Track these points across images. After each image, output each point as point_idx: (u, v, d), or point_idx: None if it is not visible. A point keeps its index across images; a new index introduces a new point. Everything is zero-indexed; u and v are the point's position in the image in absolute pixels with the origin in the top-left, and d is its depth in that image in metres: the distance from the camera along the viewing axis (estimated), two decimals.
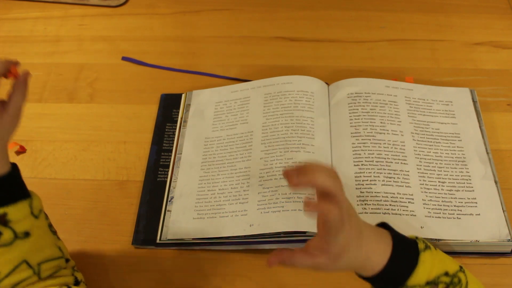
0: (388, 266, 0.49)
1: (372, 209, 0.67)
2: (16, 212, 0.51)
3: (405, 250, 0.51)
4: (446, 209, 0.68)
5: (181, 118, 0.81)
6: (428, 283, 0.50)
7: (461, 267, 0.52)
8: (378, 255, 0.50)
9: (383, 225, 0.53)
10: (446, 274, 0.51)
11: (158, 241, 0.68)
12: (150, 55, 0.92)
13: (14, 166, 0.53)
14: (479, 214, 0.67)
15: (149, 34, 0.96)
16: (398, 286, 0.50)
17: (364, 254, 0.49)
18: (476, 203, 0.68)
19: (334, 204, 0.45)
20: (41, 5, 1.01)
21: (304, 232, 0.65)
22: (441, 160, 0.73)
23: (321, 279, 0.66)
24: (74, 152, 0.79)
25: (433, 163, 0.72)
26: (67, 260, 0.58)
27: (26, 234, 0.52)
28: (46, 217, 0.57)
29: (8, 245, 0.51)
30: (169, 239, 0.68)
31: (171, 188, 0.73)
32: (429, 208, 0.68)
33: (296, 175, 0.45)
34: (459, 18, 0.97)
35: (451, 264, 0.52)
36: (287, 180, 0.45)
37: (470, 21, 0.96)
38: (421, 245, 0.51)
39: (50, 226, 0.57)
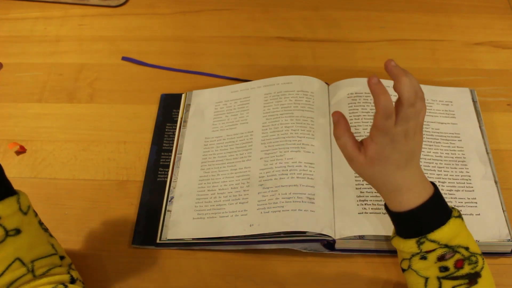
0: (419, 210, 0.50)
1: (372, 209, 0.67)
2: (5, 208, 0.51)
3: (440, 207, 0.52)
4: None
5: (181, 118, 0.81)
6: (447, 246, 0.50)
7: (482, 254, 0.52)
8: (413, 195, 0.51)
9: (433, 184, 0.54)
10: (467, 249, 0.51)
11: (158, 241, 0.68)
12: (150, 55, 0.92)
13: None
14: (479, 214, 0.67)
15: (149, 34, 0.96)
16: (419, 235, 0.50)
17: (397, 182, 0.51)
18: (476, 203, 0.68)
19: (398, 107, 0.48)
20: (41, 5, 1.01)
21: (304, 232, 0.65)
22: (441, 160, 0.73)
23: (322, 279, 0.66)
24: (74, 152, 0.79)
25: (433, 163, 0.72)
26: (62, 258, 0.58)
27: (17, 231, 0.52)
28: (36, 214, 0.56)
29: (0, 243, 0.51)
30: (169, 239, 0.68)
31: (171, 188, 0.73)
32: None
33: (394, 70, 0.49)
34: (459, 18, 0.97)
35: (474, 245, 0.52)
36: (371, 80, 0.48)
37: (470, 21, 0.96)
38: (455, 213, 0.52)
39: (41, 223, 0.57)
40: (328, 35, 0.95)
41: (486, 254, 0.66)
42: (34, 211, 0.56)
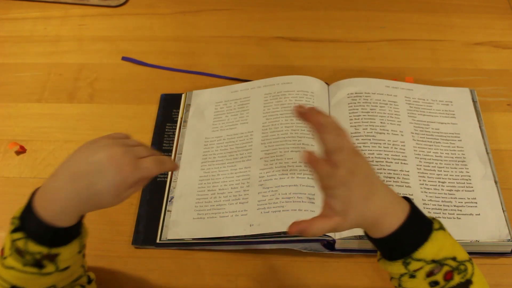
0: (399, 232, 0.49)
1: None
2: (67, 252, 0.51)
3: (419, 223, 0.51)
4: (446, 209, 0.68)
5: (181, 118, 0.81)
6: (433, 261, 0.49)
7: (471, 260, 0.52)
8: (391, 218, 0.50)
9: (406, 199, 0.53)
10: (454, 259, 0.50)
11: (158, 241, 0.68)
12: (150, 55, 0.92)
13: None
14: (479, 214, 0.67)
15: (149, 34, 0.96)
16: (404, 256, 0.50)
17: (374, 213, 0.50)
18: (476, 203, 0.68)
19: (330, 163, 0.48)
20: (41, 5, 1.01)
21: None
22: (441, 160, 0.73)
23: (322, 278, 0.66)
24: None
25: (433, 163, 0.72)
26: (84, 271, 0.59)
27: (66, 268, 0.52)
28: (85, 246, 0.56)
29: (46, 275, 0.51)
30: (169, 239, 0.68)
31: (171, 188, 0.73)
32: (429, 208, 0.68)
33: (311, 113, 0.49)
34: (459, 18, 0.97)
35: (461, 252, 0.52)
36: (296, 111, 0.49)
37: (470, 21, 0.96)
38: (436, 225, 0.51)
39: (84, 254, 0.57)
40: (328, 35, 0.95)
41: (486, 254, 0.66)
42: (85, 244, 0.56)
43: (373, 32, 0.95)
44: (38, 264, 0.50)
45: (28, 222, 0.49)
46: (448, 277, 0.50)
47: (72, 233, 0.51)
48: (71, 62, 0.92)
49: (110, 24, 0.98)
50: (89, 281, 0.58)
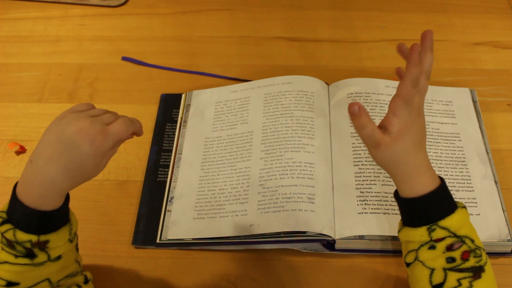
0: (430, 196, 0.52)
1: (372, 209, 0.67)
2: (57, 239, 0.51)
3: (448, 196, 0.53)
4: None
5: (181, 118, 0.81)
6: (455, 235, 0.51)
7: (486, 253, 0.53)
8: (425, 180, 0.52)
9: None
10: (472, 241, 0.52)
11: (158, 241, 0.68)
12: (150, 55, 0.92)
13: (66, 197, 0.52)
14: (479, 214, 0.67)
15: (149, 34, 0.96)
16: (430, 222, 0.51)
17: (414, 163, 0.53)
18: (476, 203, 0.68)
19: (415, 84, 0.54)
20: (41, 5, 1.01)
21: (304, 232, 0.65)
22: (441, 160, 0.73)
23: (322, 279, 0.66)
24: None
25: (433, 163, 0.72)
26: (80, 268, 0.59)
27: (58, 257, 0.52)
28: (77, 237, 0.57)
29: (38, 265, 0.51)
30: (169, 239, 0.68)
31: (171, 188, 0.73)
32: None
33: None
34: (459, 18, 0.97)
35: (478, 239, 0.53)
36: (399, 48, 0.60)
37: (470, 21, 0.96)
38: (461, 204, 0.53)
39: (77, 246, 0.58)
40: (328, 35, 0.95)
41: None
42: (77, 234, 0.56)
43: (373, 32, 0.95)
44: (29, 254, 0.50)
45: (14, 213, 0.49)
46: (465, 256, 0.51)
47: (59, 218, 0.52)
48: (71, 62, 0.92)
49: (110, 24, 0.98)
50: (86, 281, 0.58)
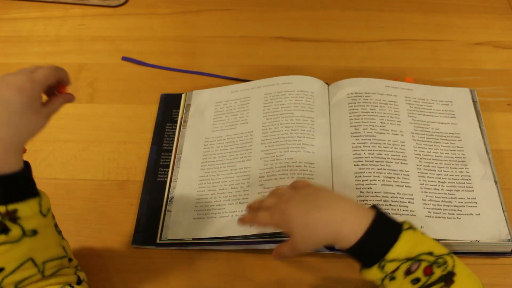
0: (365, 237, 0.51)
1: None
2: (26, 209, 0.51)
3: (387, 226, 0.52)
4: (446, 209, 0.68)
5: (181, 118, 0.81)
6: (408, 259, 0.50)
7: (451, 254, 0.52)
8: (352, 226, 0.51)
9: (373, 207, 0.54)
10: (430, 253, 0.51)
11: (158, 241, 0.68)
12: (150, 55, 0.92)
13: (26, 164, 0.53)
14: (479, 214, 0.67)
15: (149, 34, 0.96)
16: (378, 260, 0.50)
17: (325, 224, 0.52)
18: (476, 203, 0.68)
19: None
20: (41, 5, 1.01)
21: None
22: (441, 160, 0.73)
23: (322, 279, 0.66)
24: (74, 152, 0.79)
25: (433, 163, 0.72)
26: (70, 260, 0.59)
27: (34, 232, 0.52)
28: (53, 217, 0.57)
29: (15, 241, 0.51)
30: (169, 239, 0.68)
31: (171, 188, 0.73)
32: (429, 208, 0.68)
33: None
34: (459, 18, 0.97)
35: (438, 248, 0.52)
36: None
37: (470, 21, 0.96)
38: (405, 226, 0.52)
39: (56, 226, 0.58)
40: (328, 35, 0.95)
41: (486, 254, 0.66)
42: (52, 214, 0.56)
43: (373, 32, 0.95)
44: (3, 229, 0.50)
45: None
46: (428, 272, 0.50)
47: (23, 186, 0.52)
48: (71, 62, 0.92)
49: (110, 24, 0.98)
50: (79, 281, 0.57)
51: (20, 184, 0.52)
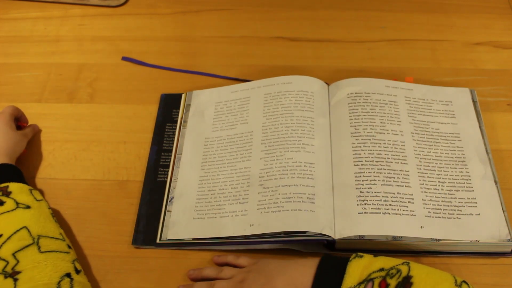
0: (315, 282, 0.56)
1: (372, 209, 0.67)
2: (16, 187, 0.62)
3: (332, 264, 0.57)
4: (446, 209, 0.68)
5: (181, 118, 0.81)
6: (361, 282, 0.53)
7: (405, 262, 0.55)
8: (302, 279, 0.57)
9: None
10: (381, 269, 0.54)
11: (158, 241, 0.68)
12: (150, 55, 0.92)
13: (18, 171, 0.66)
14: (479, 214, 0.67)
15: (149, 34, 0.96)
16: None
17: (285, 284, 0.57)
18: (476, 203, 0.68)
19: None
20: (41, 5, 1.01)
21: (304, 232, 0.65)
22: (441, 160, 0.73)
23: None
24: (74, 152, 0.79)
25: (433, 163, 0.72)
26: (68, 247, 0.61)
27: (27, 207, 0.60)
28: (53, 215, 0.61)
29: (10, 210, 0.58)
30: (169, 239, 0.68)
31: (171, 188, 0.73)
32: (429, 208, 0.68)
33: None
34: (459, 18, 0.97)
35: (389, 262, 0.55)
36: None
37: (470, 21, 0.96)
38: (352, 256, 0.57)
39: (53, 216, 0.63)
40: (328, 35, 0.95)
41: (486, 254, 0.66)
42: (51, 208, 0.63)
43: (373, 32, 0.95)
44: None
45: None
46: (383, 285, 0.53)
47: (9, 173, 0.66)
48: (71, 62, 0.92)
49: (110, 24, 0.98)
50: (77, 271, 0.59)
51: (10, 173, 0.65)
